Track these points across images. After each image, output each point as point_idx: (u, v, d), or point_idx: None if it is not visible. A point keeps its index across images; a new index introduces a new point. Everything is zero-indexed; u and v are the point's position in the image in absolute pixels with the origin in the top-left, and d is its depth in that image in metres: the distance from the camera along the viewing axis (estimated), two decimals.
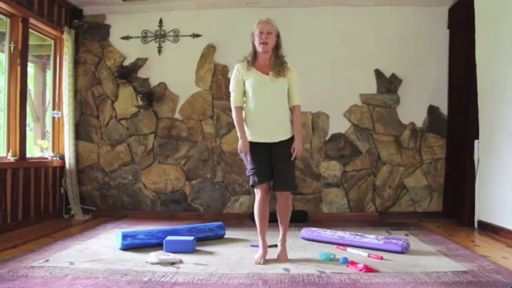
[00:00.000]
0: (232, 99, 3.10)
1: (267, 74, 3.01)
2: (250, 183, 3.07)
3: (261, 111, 3.00)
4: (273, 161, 3.04)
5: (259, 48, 3.00)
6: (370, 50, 5.09)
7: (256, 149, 3.02)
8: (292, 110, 3.08)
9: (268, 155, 3.02)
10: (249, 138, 3.04)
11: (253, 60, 3.05)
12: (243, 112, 3.09)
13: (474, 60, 4.30)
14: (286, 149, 3.01)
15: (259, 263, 2.95)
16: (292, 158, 3.02)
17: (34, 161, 4.66)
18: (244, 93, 3.06)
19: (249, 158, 3.04)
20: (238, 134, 3.06)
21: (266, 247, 3.08)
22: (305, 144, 5.07)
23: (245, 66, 3.05)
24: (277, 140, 3.02)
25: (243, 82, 3.05)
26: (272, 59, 3.03)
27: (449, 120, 5.01)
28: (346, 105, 5.12)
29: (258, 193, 3.06)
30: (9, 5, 4.11)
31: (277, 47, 3.04)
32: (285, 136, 3.04)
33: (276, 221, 3.13)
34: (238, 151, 3.09)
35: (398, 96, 5.09)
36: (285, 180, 3.02)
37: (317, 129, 5.13)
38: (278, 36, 3.05)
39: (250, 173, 3.05)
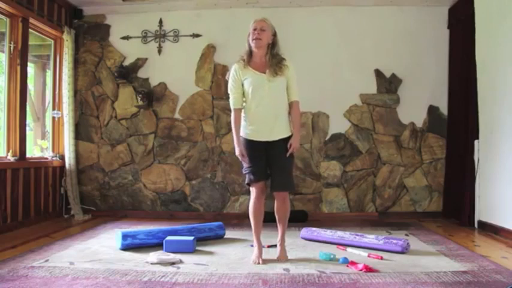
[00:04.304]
0: (231, 101, 3.06)
1: (264, 73, 2.98)
2: (246, 181, 3.06)
3: (261, 111, 2.98)
4: (270, 160, 3.02)
5: (252, 44, 2.98)
6: (370, 50, 5.09)
7: (254, 147, 3.01)
8: (291, 106, 3.06)
9: (265, 153, 3.00)
10: (248, 136, 3.03)
11: (248, 58, 3.03)
12: (242, 111, 3.07)
13: (474, 60, 4.30)
14: (283, 148, 2.99)
15: (258, 263, 2.94)
16: (288, 154, 2.99)
17: (34, 161, 4.66)
18: (244, 93, 3.05)
19: (246, 157, 3.02)
20: (234, 139, 3.05)
21: (261, 246, 3.06)
22: (305, 144, 5.08)
23: (241, 66, 3.03)
24: (275, 139, 3.00)
25: (241, 82, 3.03)
26: (268, 57, 3.00)
27: (449, 120, 5.00)
28: (346, 105, 5.12)
29: (253, 192, 3.05)
30: (9, 5, 4.11)
31: (273, 45, 3.02)
32: (283, 134, 3.02)
33: (275, 221, 3.11)
34: (237, 155, 3.07)
35: (398, 96, 5.09)
36: (283, 180, 2.99)
37: (317, 129, 5.13)
38: (275, 35, 3.03)
39: (246, 171, 3.04)
